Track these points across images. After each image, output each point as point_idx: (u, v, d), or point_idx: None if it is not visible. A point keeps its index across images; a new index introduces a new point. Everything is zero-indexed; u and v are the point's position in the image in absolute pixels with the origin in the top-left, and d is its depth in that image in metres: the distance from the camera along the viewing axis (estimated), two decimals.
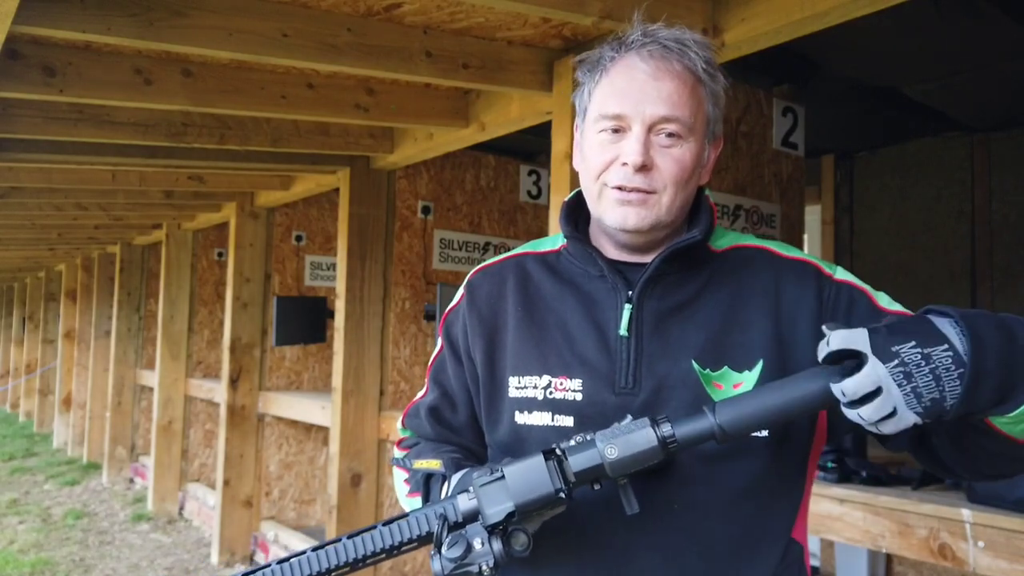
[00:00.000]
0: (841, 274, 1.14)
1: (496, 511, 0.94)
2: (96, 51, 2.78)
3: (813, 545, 3.80)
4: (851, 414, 0.91)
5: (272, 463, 5.75)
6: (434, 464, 1.15)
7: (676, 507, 1.06)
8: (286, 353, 5.79)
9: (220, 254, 7.10)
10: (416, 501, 1.17)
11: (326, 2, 2.46)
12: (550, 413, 1.11)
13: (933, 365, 0.87)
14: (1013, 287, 4.26)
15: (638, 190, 1.07)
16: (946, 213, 4.55)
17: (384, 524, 0.98)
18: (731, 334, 1.09)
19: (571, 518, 1.01)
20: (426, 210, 4.64)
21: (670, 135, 1.07)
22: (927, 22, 2.99)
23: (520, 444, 1.12)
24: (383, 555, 0.98)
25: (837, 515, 2.30)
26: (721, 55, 2.39)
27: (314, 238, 5.96)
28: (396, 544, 0.97)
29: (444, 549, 0.92)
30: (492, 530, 0.94)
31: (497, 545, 0.92)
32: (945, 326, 0.90)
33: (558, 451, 0.97)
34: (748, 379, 1.07)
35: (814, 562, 3.90)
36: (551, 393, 1.11)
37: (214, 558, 5.64)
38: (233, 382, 5.53)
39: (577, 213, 1.21)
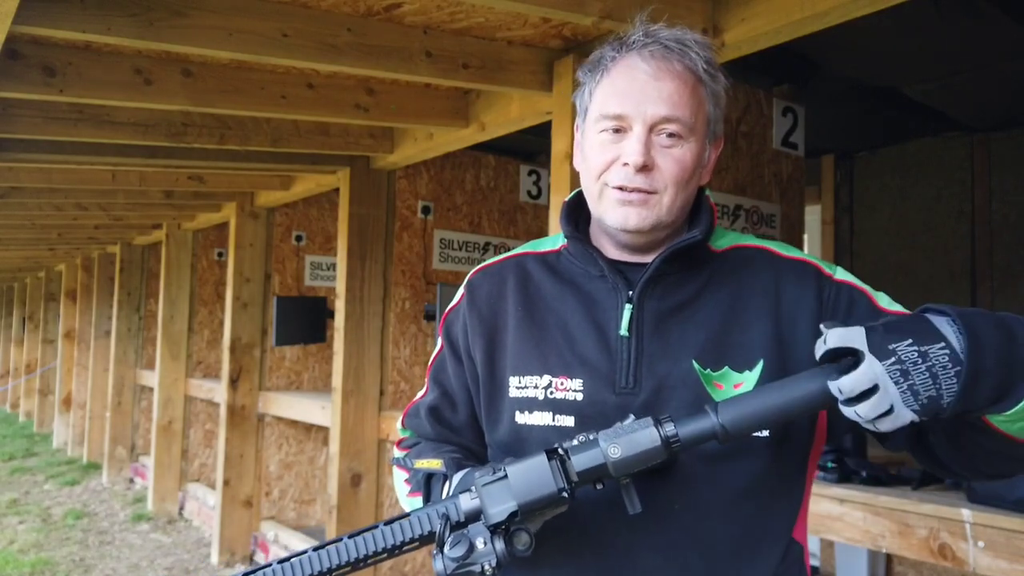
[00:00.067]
0: (841, 274, 1.14)
1: (499, 510, 0.94)
2: (96, 51, 2.78)
3: (813, 545, 3.81)
4: (848, 412, 0.91)
5: (272, 463, 5.75)
6: (435, 464, 1.15)
7: (677, 507, 1.06)
8: (286, 353, 5.79)
9: (220, 254, 7.10)
10: (417, 501, 1.17)
11: (326, 2, 2.46)
12: (551, 413, 1.11)
13: (930, 363, 0.88)
14: (1013, 287, 4.27)
15: (639, 190, 1.07)
16: (946, 213, 4.55)
17: (386, 523, 0.98)
18: (731, 334, 1.10)
19: (573, 518, 1.01)
20: (426, 210, 4.64)
21: (671, 135, 1.07)
22: (927, 22, 3.00)
23: (520, 444, 1.12)
24: (384, 555, 0.97)
25: (837, 515, 2.30)
26: (721, 55, 2.39)
27: (314, 238, 5.96)
28: (398, 544, 0.97)
29: (446, 548, 0.92)
30: (494, 530, 0.94)
31: (499, 545, 0.92)
32: (942, 324, 0.91)
33: (561, 451, 0.97)
34: (748, 379, 1.07)
35: (814, 562, 3.90)
36: (552, 393, 1.11)
37: (214, 558, 5.64)
38: (233, 382, 5.53)
39: (577, 213, 1.21)
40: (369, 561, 0.98)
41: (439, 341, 1.29)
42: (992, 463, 1.03)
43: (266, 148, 3.77)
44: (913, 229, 4.69)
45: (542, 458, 0.95)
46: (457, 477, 1.08)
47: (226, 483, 5.53)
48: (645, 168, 1.07)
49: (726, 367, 1.08)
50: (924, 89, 3.80)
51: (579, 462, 0.95)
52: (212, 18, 2.38)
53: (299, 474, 5.88)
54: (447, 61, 2.71)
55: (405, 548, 0.98)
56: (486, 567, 0.91)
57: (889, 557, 4.04)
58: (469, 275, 1.29)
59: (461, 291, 1.27)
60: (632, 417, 0.98)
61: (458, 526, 0.95)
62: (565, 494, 0.94)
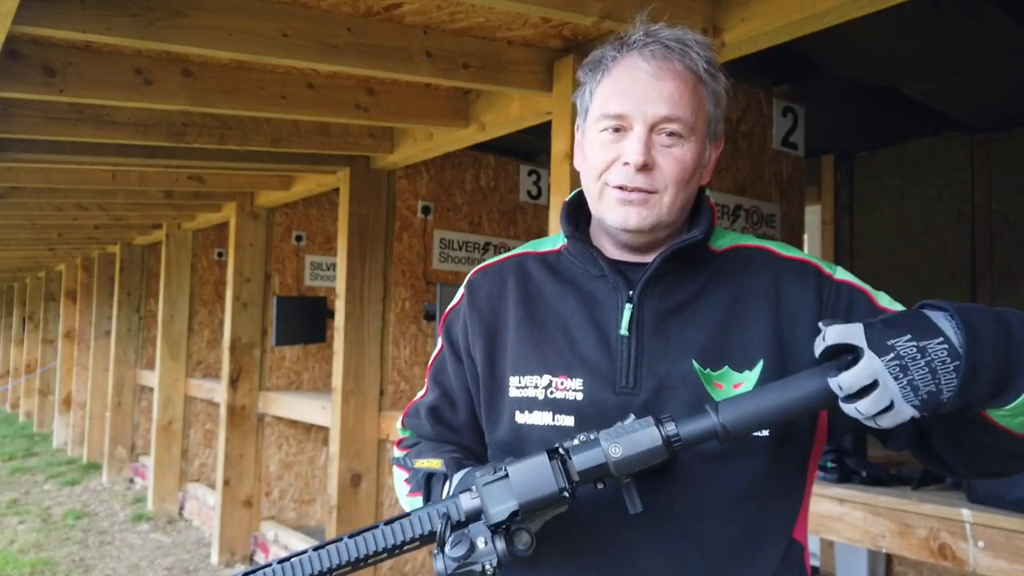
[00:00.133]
0: (841, 274, 1.14)
1: (500, 510, 0.93)
2: (96, 51, 2.78)
3: (813, 545, 3.80)
4: (849, 408, 0.91)
5: (272, 463, 5.75)
6: (435, 463, 1.15)
7: (677, 507, 1.06)
8: (286, 353, 5.79)
9: (220, 254, 7.10)
10: (417, 501, 1.17)
11: (326, 2, 2.46)
12: (551, 413, 1.11)
13: (929, 358, 0.88)
14: (1013, 287, 4.27)
15: (639, 190, 1.07)
16: (946, 213, 4.55)
17: (386, 523, 0.98)
18: (731, 334, 1.10)
19: (574, 517, 1.01)
20: (426, 210, 4.64)
21: (671, 135, 1.07)
22: (927, 22, 3.00)
23: (520, 444, 1.12)
24: (385, 555, 0.97)
25: (837, 515, 2.30)
26: (721, 55, 2.39)
27: (314, 238, 5.96)
28: (398, 543, 0.97)
29: (447, 548, 0.92)
30: (495, 529, 0.94)
31: (500, 544, 0.92)
32: (940, 320, 0.91)
33: (562, 450, 0.97)
34: (748, 379, 1.07)
35: (814, 562, 3.90)
36: (552, 393, 1.11)
37: (214, 558, 5.64)
38: (233, 382, 5.53)
39: (578, 213, 1.21)
40: (369, 561, 0.97)
41: (439, 341, 1.29)
42: (994, 460, 1.03)
43: (266, 148, 3.77)
44: (913, 229, 4.69)
45: (543, 457, 0.95)
46: (457, 477, 1.08)
47: (226, 483, 5.53)
48: (646, 167, 1.07)
49: (726, 367, 1.08)
50: (924, 89, 3.80)
51: (580, 461, 0.95)
52: (212, 18, 2.38)
53: (299, 474, 5.88)
54: (447, 61, 2.71)
55: (405, 548, 0.98)
56: (487, 567, 0.91)
57: (889, 557, 4.04)
58: (469, 275, 1.29)
59: (461, 291, 1.27)
60: (633, 417, 0.98)
61: (459, 526, 0.95)
62: (566, 494, 0.94)
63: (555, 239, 1.26)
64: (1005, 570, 1.94)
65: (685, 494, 1.06)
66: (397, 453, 1.32)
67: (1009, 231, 4.31)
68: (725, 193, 3.19)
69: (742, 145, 3.29)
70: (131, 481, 8.26)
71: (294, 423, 5.76)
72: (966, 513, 2.02)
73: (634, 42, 1.11)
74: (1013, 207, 4.29)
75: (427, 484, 1.16)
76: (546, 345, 1.14)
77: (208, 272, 7.13)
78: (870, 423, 0.92)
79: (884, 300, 1.11)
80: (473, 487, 0.97)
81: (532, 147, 4.94)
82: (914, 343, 0.88)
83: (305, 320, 5.28)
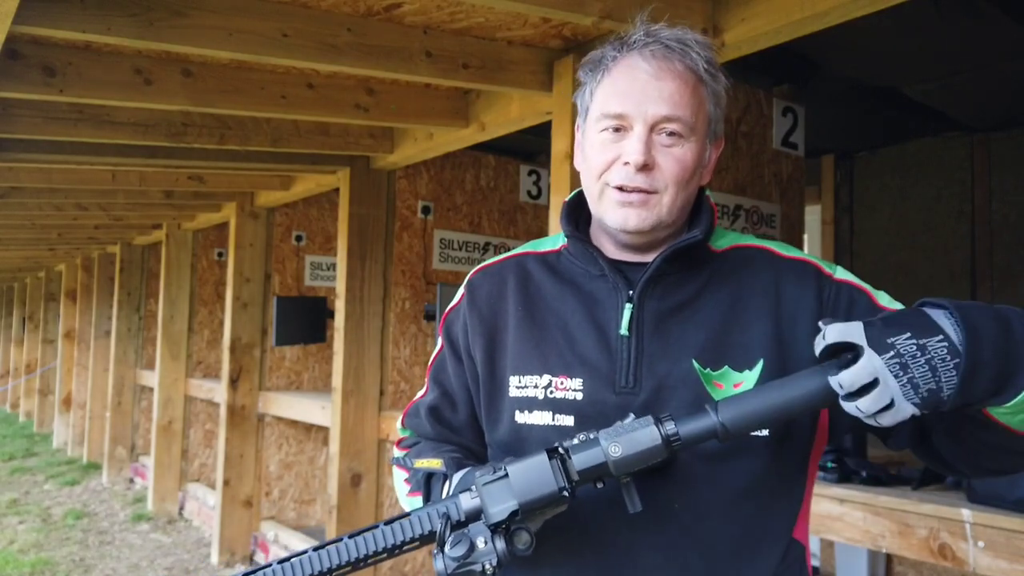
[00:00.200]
0: (841, 274, 1.14)
1: (499, 510, 0.94)
2: (96, 51, 2.78)
3: (813, 545, 3.80)
4: (849, 407, 0.91)
5: (272, 463, 5.75)
6: (435, 463, 1.15)
7: (677, 507, 1.06)
8: (286, 353, 5.79)
9: (220, 254, 7.10)
10: (417, 500, 1.17)
11: (326, 2, 2.46)
12: (550, 412, 1.11)
13: (929, 356, 0.88)
14: (1013, 287, 4.27)
15: (639, 190, 1.08)
16: (946, 213, 4.55)
17: (386, 523, 0.98)
18: (731, 334, 1.10)
19: (573, 517, 1.01)
20: (426, 210, 4.64)
21: (671, 134, 1.08)
22: (927, 22, 3.00)
23: (520, 443, 1.12)
24: (385, 554, 0.97)
25: (837, 515, 2.30)
26: (721, 55, 2.39)
27: (314, 238, 5.96)
28: (398, 543, 0.97)
29: (447, 548, 0.92)
30: (495, 529, 0.94)
31: (500, 544, 0.92)
32: (940, 317, 0.91)
33: (561, 449, 0.97)
34: (748, 378, 1.07)
35: (814, 562, 3.90)
36: (552, 392, 1.11)
37: (214, 558, 5.64)
38: (233, 382, 5.53)
39: (577, 213, 1.21)
40: (369, 561, 0.97)
41: (439, 341, 1.29)
42: (994, 458, 1.03)
43: (266, 148, 3.77)
44: (913, 229, 4.69)
45: (543, 457, 0.95)
46: (457, 476, 1.08)
47: (226, 483, 5.53)
48: (646, 167, 1.07)
49: (726, 367, 1.08)
50: (924, 89, 3.80)
51: (580, 461, 0.95)
52: (212, 18, 2.38)
53: (299, 474, 5.88)
54: (447, 61, 2.71)
55: (405, 548, 0.98)
56: (487, 566, 0.91)
57: (889, 557, 4.04)
58: (469, 275, 1.29)
59: (461, 291, 1.27)
60: (632, 416, 0.98)
61: (458, 525, 0.95)
62: (566, 493, 0.94)
63: (555, 239, 1.26)
64: (1005, 570, 1.94)
65: (685, 493, 1.06)
66: (397, 453, 1.32)
67: (1009, 231, 4.31)
68: (725, 193, 3.19)
69: (742, 145, 3.29)
70: (131, 481, 8.26)
71: (294, 423, 5.76)
72: (966, 513, 2.02)
73: (634, 42, 1.11)
74: (1013, 207, 4.30)
75: (427, 484, 1.16)
76: (546, 345, 1.14)
77: (208, 272, 7.13)
78: (871, 421, 0.92)
79: (884, 299, 1.11)
80: (473, 487, 0.97)
81: (532, 147, 4.94)
82: (914, 341, 0.89)
83: (305, 320, 5.28)
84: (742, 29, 2.33)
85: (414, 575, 4.62)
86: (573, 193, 1.22)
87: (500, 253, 1.31)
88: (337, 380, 4.25)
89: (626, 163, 1.07)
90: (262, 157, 4.14)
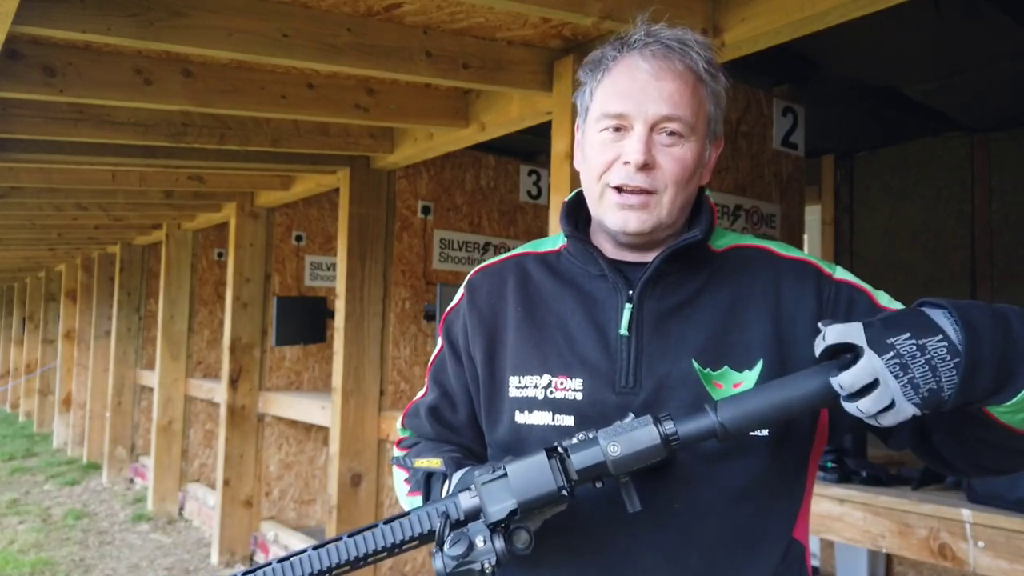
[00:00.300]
0: (841, 273, 1.14)
1: (498, 509, 0.94)
2: (96, 51, 2.78)
3: (813, 545, 3.80)
4: (850, 407, 0.91)
5: (272, 463, 5.75)
6: (435, 463, 1.15)
7: (677, 506, 1.06)
8: (286, 353, 5.79)
9: (220, 254, 7.10)
10: (416, 500, 1.17)
11: (326, 2, 2.46)
12: (550, 412, 1.11)
13: (928, 356, 0.88)
14: (1013, 287, 4.27)
15: (640, 189, 1.08)
16: (946, 213, 4.55)
17: (385, 522, 0.98)
18: (731, 334, 1.10)
19: (572, 516, 1.01)
20: (426, 210, 4.64)
21: (671, 134, 1.08)
22: (927, 22, 3.00)
23: (520, 443, 1.12)
24: (384, 554, 0.97)
25: (837, 515, 2.30)
26: (721, 55, 2.39)
27: (314, 238, 5.96)
28: (398, 542, 0.97)
29: (446, 547, 0.92)
30: (494, 528, 0.94)
31: (499, 543, 0.92)
32: (939, 317, 0.91)
33: (560, 449, 0.97)
34: (748, 378, 1.07)
35: (814, 562, 3.90)
36: (551, 393, 1.11)
37: (214, 558, 5.64)
38: (233, 382, 5.53)
39: (577, 213, 1.21)
40: (369, 560, 0.97)
41: (439, 341, 1.29)
42: (994, 457, 1.03)
43: (266, 148, 3.77)
44: (913, 229, 4.69)
45: (542, 456, 0.95)
46: (457, 476, 1.08)
47: (226, 483, 5.53)
48: (646, 167, 1.07)
49: (726, 367, 1.08)
50: (924, 89, 3.80)
51: (579, 460, 0.95)
52: (212, 18, 2.38)
53: (299, 474, 5.88)
54: (447, 61, 2.71)
55: (405, 547, 0.98)
56: (486, 565, 0.91)
57: (889, 557, 4.04)
58: (469, 275, 1.29)
59: (461, 291, 1.27)
60: (632, 416, 0.98)
61: (458, 524, 0.95)
62: (565, 492, 0.94)
63: (555, 239, 1.26)
64: (1005, 570, 1.94)
65: (684, 493, 1.06)
66: (397, 453, 1.32)
67: (1009, 231, 4.31)
68: (725, 193, 3.19)
69: (742, 145, 3.29)
70: (131, 481, 8.26)
71: (294, 423, 5.76)
72: (966, 513, 2.02)
73: (634, 42, 1.11)
74: (1013, 207, 4.30)
75: (426, 483, 1.16)
76: (546, 345, 1.14)
77: (208, 272, 7.13)
78: (872, 422, 0.92)
79: (884, 299, 1.11)
80: (472, 486, 0.97)
81: (532, 147, 4.94)
82: (913, 341, 0.89)
83: (305, 320, 5.28)
84: (742, 29, 2.33)
85: (414, 575, 4.62)
86: (573, 193, 1.22)
87: (500, 253, 1.31)
88: (337, 380, 4.25)
89: (626, 163, 1.07)
90: (262, 157, 4.14)
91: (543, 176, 5.09)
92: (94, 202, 5.62)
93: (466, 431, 1.25)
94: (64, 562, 5.68)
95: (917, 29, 3.08)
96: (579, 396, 1.10)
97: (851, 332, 0.91)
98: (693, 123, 1.08)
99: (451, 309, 1.27)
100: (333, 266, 5.87)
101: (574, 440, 0.97)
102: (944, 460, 1.06)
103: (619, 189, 1.09)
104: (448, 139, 3.66)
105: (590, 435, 0.97)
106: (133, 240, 8.10)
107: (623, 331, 1.10)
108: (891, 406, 0.89)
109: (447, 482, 1.10)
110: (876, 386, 0.89)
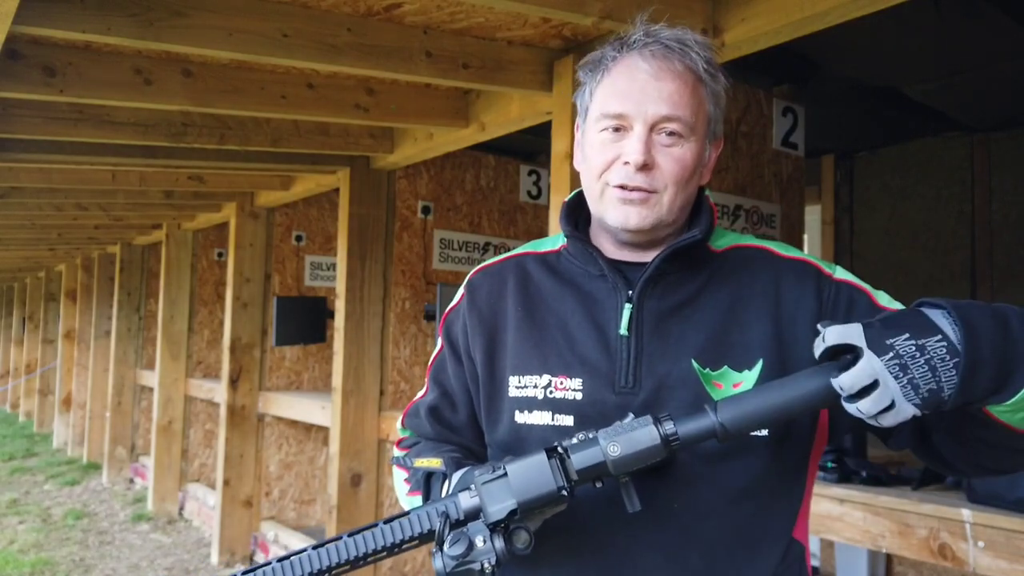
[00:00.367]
0: (841, 273, 1.14)
1: (498, 509, 0.94)
2: (96, 51, 2.78)
3: (813, 545, 3.80)
4: (851, 408, 0.92)
5: (272, 463, 5.75)
6: (434, 463, 1.15)
7: (676, 506, 1.06)
8: (286, 353, 5.79)
9: (220, 254, 7.10)
10: (416, 500, 1.17)
11: (326, 2, 2.46)
12: (550, 412, 1.11)
13: (928, 356, 0.88)
14: (1013, 287, 4.27)
15: (640, 189, 1.08)
16: (946, 213, 4.55)
17: (385, 522, 0.98)
18: (731, 334, 1.10)
19: (572, 516, 1.01)
20: (426, 210, 4.64)
21: (671, 134, 1.08)
22: (927, 22, 3.00)
23: (520, 443, 1.12)
24: (384, 553, 0.97)
25: (837, 515, 2.30)
26: (721, 55, 2.39)
27: (314, 238, 5.96)
28: (397, 542, 0.97)
29: (446, 547, 0.92)
30: (494, 528, 0.94)
31: (499, 543, 0.92)
32: (938, 317, 0.91)
33: (560, 449, 0.97)
34: (748, 379, 1.07)
35: (814, 562, 3.90)
36: (551, 392, 1.11)
37: (214, 558, 5.64)
38: (233, 382, 5.53)
39: (577, 213, 1.21)
40: (369, 559, 0.97)
41: (439, 341, 1.29)
42: (994, 457, 1.03)
43: (266, 148, 3.77)
44: (913, 229, 4.69)
45: (542, 456, 0.95)
46: (456, 476, 1.08)
47: (226, 483, 5.53)
48: (646, 167, 1.07)
49: (725, 367, 1.08)
50: (924, 89, 3.80)
51: (579, 460, 0.95)
52: (212, 18, 2.38)
53: (299, 474, 5.88)
54: (447, 61, 2.71)
55: (405, 546, 0.98)
56: (485, 565, 0.91)
57: (889, 557, 4.04)
58: (469, 275, 1.29)
59: (461, 291, 1.27)
60: (632, 416, 0.98)
61: (457, 524, 0.95)
62: (564, 492, 0.94)
63: (555, 239, 1.26)
64: (1005, 570, 1.94)
65: (684, 493, 1.06)
66: (397, 453, 1.32)
67: (1009, 231, 4.31)
68: (725, 193, 3.19)
69: (742, 145, 3.29)
70: (131, 481, 8.26)
71: (294, 423, 5.76)
72: (966, 513, 2.02)
73: (634, 42, 1.11)
74: (1013, 207, 4.30)
75: (426, 483, 1.16)
76: (546, 345, 1.14)
77: (208, 272, 7.13)
78: (872, 422, 0.92)
79: (884, 299, 1.11)
80: (472, 486, 0.97)
81: (532, 147, 4.94)
82: (913, 341, 0.89)
83: (305, 320, 5.28)
84: (742, 29, 2.33)
85: (414, 575, 4.62)
86: (573, 193, 1.23)
87: (500, 253, 1.31)
88: (337, 380, 4.25)
89: (626, 163, 1.07)
90: (262, 157, 4.14)
91: (543, 176, 5.09)
92: (94, 202, 5.62)
93: (466, 431, 1.25)
94: (64, 562, 5.68)
95: (917, 29, 3.08)
96: (579, 396, 1.10)
97: (850, 333, 0.91)
98: (693, 123, 1.08)
99: (451, 309, 1.27)
100: (333, 266, 5.87)
101: (574, 440, 0.97)
102: (944, 460, 1.06)
103: (620, 187, 1.09)
104: (448, 139, 3.66)
105: (590, 435, 0.97)
106: (133, 240, 8.10)
107: (623, 331, 1.11)
108: (891, 407, 0.89)
109: (447, 482, 1.10)
110: (876, 387, 0.89)
